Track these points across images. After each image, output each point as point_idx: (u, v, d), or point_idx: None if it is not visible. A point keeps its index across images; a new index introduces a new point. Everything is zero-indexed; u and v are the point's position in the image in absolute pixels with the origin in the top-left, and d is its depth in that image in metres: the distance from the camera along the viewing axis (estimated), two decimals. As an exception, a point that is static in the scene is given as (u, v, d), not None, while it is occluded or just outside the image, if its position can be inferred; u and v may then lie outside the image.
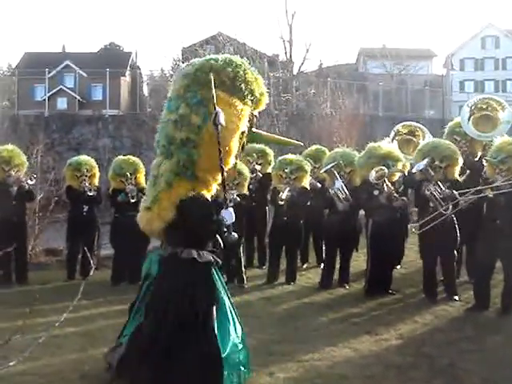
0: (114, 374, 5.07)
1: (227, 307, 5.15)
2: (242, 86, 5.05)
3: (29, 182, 9.49)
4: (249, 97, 5.10)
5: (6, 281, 9.08)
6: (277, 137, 7.40)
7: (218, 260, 5.18)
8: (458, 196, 7.64)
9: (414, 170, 8.16)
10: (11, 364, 3.14)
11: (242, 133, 5.17)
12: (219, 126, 4.80)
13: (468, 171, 8.61)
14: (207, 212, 5.03)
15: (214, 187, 5.26)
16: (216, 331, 4.91)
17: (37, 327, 5.92)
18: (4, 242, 8.40)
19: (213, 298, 5.03)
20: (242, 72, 5.07)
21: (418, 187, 8.12)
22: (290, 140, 6.93)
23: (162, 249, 5.22)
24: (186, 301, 4.88)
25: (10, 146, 9.71)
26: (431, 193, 7.72)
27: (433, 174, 7.82)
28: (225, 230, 5.00)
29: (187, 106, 4.94)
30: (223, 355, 4.84)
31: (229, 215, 5.01)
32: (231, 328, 5.09)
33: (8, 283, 9.17)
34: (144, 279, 5.28)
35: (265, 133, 6.72)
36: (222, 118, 4.79)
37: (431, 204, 7.76)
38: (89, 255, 8.78)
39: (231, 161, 5.12)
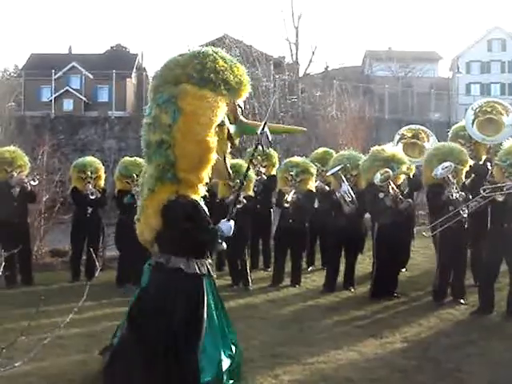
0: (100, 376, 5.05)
1: (216, 325, 4.94)
2: (212, 76, 4.82)
3: (32, 182, 9.51)
4: (222, 86, 4.84)
5: (11, 282, 9.10)
6: (274, 125, 6.77)
7: (210, 271, 5.03)
8: (470, 198, 7.68)
9: (434, 174, 8.01)
10: (17, 365, 3.14)
11: (220, 126, 4.90)
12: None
13: (473, 175, 8.60)
14: (189, 214, 4.85)
15: (202, 188, 4.99)
16: (198, 354, 4.71)
17: (42, 328, 5.93)
18: (6, 243, 8.44)
19: (196, 315, 4.82)
20: (210, 62, 4.85)
21: (436, 191, 8.06)
22: (289, 127, 6.59)
23: (154, 257, 5.12)
24: (163, 319, 4.75)
25: (12, 148, 9.74)
26: (455, 197, 7.72)
27: (452, 178, 7.81)
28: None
29: (157, 107, 4.81)
30: (204, 380, 4.66)
31: (227, 228, 4.91)
32: (220, 352, 4.89)
33: (13, 284, 9.19)
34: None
35: (255, 122, 6.09)
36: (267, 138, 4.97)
37: (451, 208, 7.74)
38: (94, 256, 8.78)
39: (213, 157, 4.85)
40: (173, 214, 4.80)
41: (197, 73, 4.81)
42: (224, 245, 4.98)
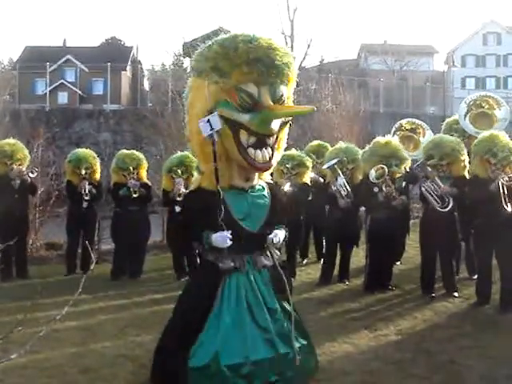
0: None
1: (226, 321, 4.65)
2: (201, 64, 4.70)
3: (30, 174, 9.52)
4: (213, 73, 4.60)
5: (6, 275, 9.10)
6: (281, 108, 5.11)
7: (237, 266, 4.77)
8: (454, 192, 7.70)
9: (414, 166, 8.18)
10: (12, 357, 3.15)
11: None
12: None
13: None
14: (190, 206, 4.87)
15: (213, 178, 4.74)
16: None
17: (37, 321, 5.93)
18: (6, 236, 8.44)
19: (196, 306, 4.73)
20: (206, 51, 4.73)
21: (419, 184, 8.15)
22: (298, 109, 5.39)
23: None
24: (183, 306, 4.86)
25: (12, 140, 9.76)
26: (426, 189, 7.77)
27: (429, 170, 7.83)
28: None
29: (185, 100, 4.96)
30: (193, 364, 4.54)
31: (221, 240, 4.64)
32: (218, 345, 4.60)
33: (8, 277, 9.19)
34: None
35: (278, 106, 5.34)
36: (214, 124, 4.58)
37: (428, 200, 7.81)
38: (90, 249, 8.80)
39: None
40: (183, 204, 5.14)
41: (195, 63, 4.80)
42: None
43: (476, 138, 8.94)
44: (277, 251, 5.00)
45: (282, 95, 4.68)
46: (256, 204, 4.78)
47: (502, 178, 7.09)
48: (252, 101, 4.55)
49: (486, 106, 9.62)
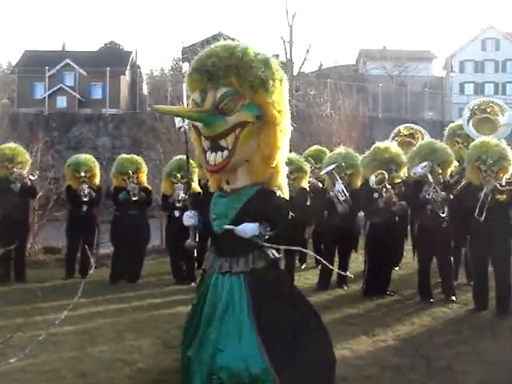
0: None
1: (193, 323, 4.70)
2: None
3: (31, 177, 9.55)
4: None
5: (4, 278, 9.10)
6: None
7: (208, 268, 4.84)
8: (449, 198, 7.74)
9: (413, 173, 8.12)
10: (11, 361, 3.15)
11: None
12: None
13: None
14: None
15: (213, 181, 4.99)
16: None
17: (35, 325, 5.94)
18: (6, 239, 8.47)
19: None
20: None
21: (414, 190, 8.13)
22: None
23: None
24: None
25: (12, 144, 9.82)
26: (431, 197, 7.77)
27: (431, 179, 7.83)
28: None
29: None
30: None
31: (185, 218, 4.89)
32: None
33: (6, 281, 9.18)
34: None
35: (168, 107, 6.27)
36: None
37: (429, 207, 7.81)
38: (89, 254, 8.80)
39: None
40: None
41: None
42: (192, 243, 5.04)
43: None
44: (273, 252, 4.84)
45: (223, 98, 4.57)
46: (230, 206, 4.78)
47: (498, 184, 7.14)
48: (197, 107, 4.65)
49: (491, 112, 9.65)
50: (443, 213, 7.75)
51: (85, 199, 9.69)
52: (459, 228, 7.97)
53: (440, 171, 8.02)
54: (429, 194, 7.79)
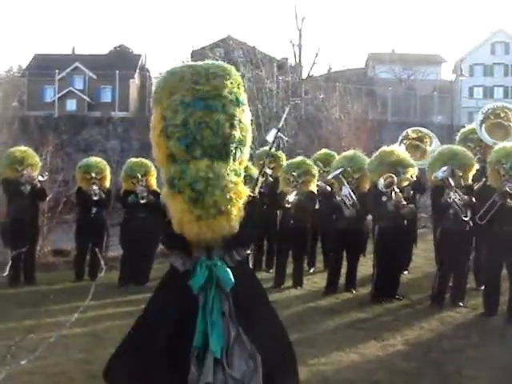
0: None
1: None
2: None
3: (40, 178, 9.62)
4: None
5: (14, 281, 9.14)
6: None
7: None
8: (471, 202, 7.71)
9: (434, 177, 8.10)
10: (22, 363, 3.17)
11: None
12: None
13: (484, 179, 8.59)
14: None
15: None
16: None
17: (44, 327, 5.96)
18: (16, 242, 8.53)
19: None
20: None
21: (435, 194, 8.12)
22: None
23: (218, 255, 4.93)
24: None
25: (22, 147, 9.97)
26: (453, 200, 7.74)
27: (453, 182, 7.82)
28: None
29: (235, 106, 4.94)
30: None
31: None
32: None
33: (16, 283, 9.22)
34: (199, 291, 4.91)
35: None
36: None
37: (451, 211, 7.78)
38: (99, 256, 8.83)
39: None
40: (255, 209, 5.07)
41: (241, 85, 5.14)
42: None
43: (492, 148, 8.94)
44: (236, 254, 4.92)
45: None
46: None
47: (508, 188, 7.14)
48: None
49: (503, 117, 9.63)
50: (466, 216, 7.73)
51: (95, 198, 9.75)
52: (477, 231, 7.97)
53: (461, 174, 8.00)
54: (450, 198, 7.78)
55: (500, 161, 7.45)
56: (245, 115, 4.96)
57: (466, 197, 7.75)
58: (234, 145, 4.88)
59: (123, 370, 4.83)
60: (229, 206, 4.74)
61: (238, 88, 5.03)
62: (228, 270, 4.84)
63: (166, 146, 4.88)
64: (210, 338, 4.70)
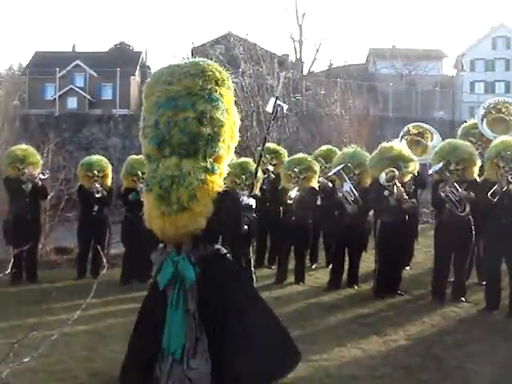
0: None
1: None
2: (231, 85, 5.29)
3: (41, 176, 9.62)
4: (232, 95, 5.33)
5: (16, 279, 9.15)
6: None
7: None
8: (473, 197, 7.69)
9: (430, 172, 8.13)
10: (25, 360, 3.18)
11: None
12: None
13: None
14: (241, 205, 5.34)
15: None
16: None
17: (47, 325, 5.97)
18: (18, 240, 8.54)
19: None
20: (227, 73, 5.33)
21: (434, 189, 8.12)
22: None
23: (186, 252, 5.03)
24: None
25: (23, 146, 9.98)
26: (446, 194, 7.75)
27: (448, 175, 7.82)
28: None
29: (206, 103, 5.01)
30: None
31: (251, 201, 5.61)
32: None
33: (18, 281, 9.24)
34: (166, 286, 5.02)
35: None
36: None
37: (447, 205, 7.79)
38: (101, 254, 8.85)
39: None
40: (229, 203, 5.05)
41: (226, 79, 5.22)
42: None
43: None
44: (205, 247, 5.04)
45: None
46: None
47: (510, 177, 7.15)
48: None
49: (505, 112, 9.61)
50: (462, 212, 7.71)
51: (97, 195, 9.76)
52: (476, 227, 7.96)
53: (459, 168, 7.97)
54: (444, 192, 7.78)
55: (499, 153, 7.45)
56: (219, 111, 5.01)
57: (464, 191, 7.73)
58: (203, 142, 4.95)
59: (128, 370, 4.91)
60: (192, 203, 4.81)
61: (216, 84, 5.08)
62: (190, 266, 4.88)
63: (144, 146, 5.15)
64: (170, 337, 4.80)
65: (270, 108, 6.62)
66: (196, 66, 5.18)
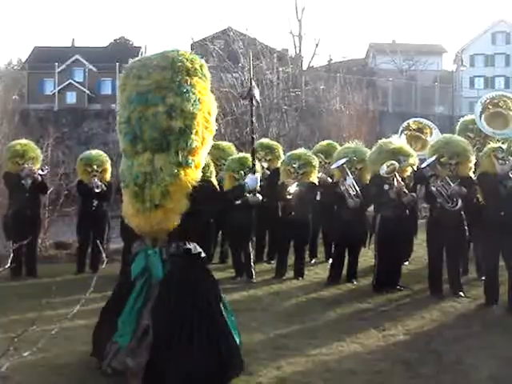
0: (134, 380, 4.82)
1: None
2: (206, 73, 5.22)
3: (40, 172, 9.61)
4: (208, 83, 5.24)
5: (16, 273, 9.16)
6: None
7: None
8: (463, 192, 7.69)
9: (423, 166, 8.13)
10: (25, 354, 3.18)
11: None
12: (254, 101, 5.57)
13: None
14: (217, 193, 5.28)
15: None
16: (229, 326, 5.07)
17: (46, 320, 5.96)
18: (18, 235, 8.54)
19: (220, 297, 5.18)
20: (202, 60, 5.28)
21: (426, 183, 8.12)
22: None
23: (160, 248, 5.06)
24: (204, 300, 4.97)
25: (23, 140, 9.96)
26: (437, 189, 7.76)
27: (440, 169, 7.82)
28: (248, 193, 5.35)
29: (176, 96, 4.95)
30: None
31: (253, 181, 5.37)
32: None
33: (18, 276, 9.24)
34: (136, 277, 5.10)
35: None
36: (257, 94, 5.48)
37: (439, 200, 7.79)
38: (101, 248, 8.85)
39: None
40: (205, 193, 5.00)
41: (200, 68, 5.14)
42: (259, 196, 5.77)
43: (492, 137, 8.93)
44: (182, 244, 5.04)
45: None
46: None
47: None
48: None
49: (504, 107, 9.61)
50: (454, 207, 7.71)
51: (97, 190, 9.75)
52: (470, 223, 7.96)
53: (451, 162, 7.97)
54: (434, 187, 7.77)
55: (500, 146, 7.51)
56: (189, 103, 4.94)
57: (455, 186, 7.71)
58: (174, 136, 4.91)
59: None
60: (164, 201, 4.81)
61: (187, 75, 5.02)
62: (160, 263, 4.90)
63: (120, 142, 5.13)
64: (122, 324, 4.91)
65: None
66: (165, 59, 5.11)
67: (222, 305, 5.12)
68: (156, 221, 4.93)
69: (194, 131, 4.95)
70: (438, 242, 7.93)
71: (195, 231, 5.15)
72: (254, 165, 5.93)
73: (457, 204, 7.72)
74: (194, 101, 4.97)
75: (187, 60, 5.07)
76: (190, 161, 4.94)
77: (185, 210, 4.88)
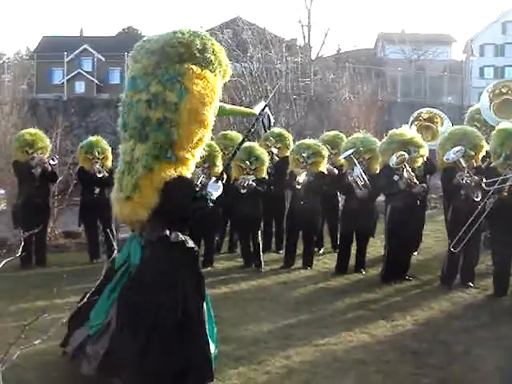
0: (94, 369, 4.70)
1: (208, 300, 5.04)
2: (212, 57, 4.83)
3: (51, 162, 9.63)
4: (218, 68, 4.88)
5: (25, 262, 9.20)
6: (240, 108, 7.44)
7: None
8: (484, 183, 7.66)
9: (446, 158, 8.02)
10: (35, 343, 3.21)
11: None
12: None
13: (488, 160, 8.54)
14: (192, 192, 4.88)
15: (193, 165, 4.96)
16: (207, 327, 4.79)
17: (56, 308, 5.99)
18: (28, 224, 8.58)
19: (201, 287, 4.87)
20: (209, 43, 4.88)
21: (448, 176, 8.07)
22: (243, 110, 6.95)
23: (143, 235, 4.89)
24: (170, 293, 4.69)
25: (32, 130, 9.99)
26: (465, 182, 7.70)
27: (464, 163, 7.78)
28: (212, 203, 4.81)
29: (159, 84, 4.69)
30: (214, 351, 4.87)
31: (214, 188, 4.88)
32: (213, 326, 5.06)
33: (28, 265, 9.29)
34: (120, 265, 4.98)
35: (228, 105, 6.39)
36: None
37: (462, 192, 7.75)
38: (111, 237, 8.84)
39: (208, 135, 4.95)
40: (178, 191, 4.69)
41: (200, 53, 4.79)
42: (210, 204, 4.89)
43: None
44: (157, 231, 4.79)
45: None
46: None
47: None
48: None
49: (509, 93, 9.54)
50: (477, 197, 7.68)
51: (99, 175, 9.72)
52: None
53: (472, 154, 7.98)
54: (462, 179, 7.74)
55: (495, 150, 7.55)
56: (174, 93, 4.65)
57: (476, 178, 7.70)
58: (151, 127, 4.67)
59: None
60: (134, 194, 4.67)
61: (178, 61, 4.71)
62: (138, 249, 4.78)
63: None
64: (95, 311, 4.83)
65: (257, 110, 5.83)
66: (156, 42, 4.84)
67: (205, 305, 4.85)
68: (126, 213, 4.86)
69: (174, 124, 4.65)
70: (463, 233, 7.87)
71: (176, 222, 4.82)
72: (226, 169, 5.70)
73: (478, 195, 7.69)
74: (180, 90, 4.66)
75: (182, 44, 4.74)
76: (169, 155, 4.68)
77: (153, 206, 4.67)
